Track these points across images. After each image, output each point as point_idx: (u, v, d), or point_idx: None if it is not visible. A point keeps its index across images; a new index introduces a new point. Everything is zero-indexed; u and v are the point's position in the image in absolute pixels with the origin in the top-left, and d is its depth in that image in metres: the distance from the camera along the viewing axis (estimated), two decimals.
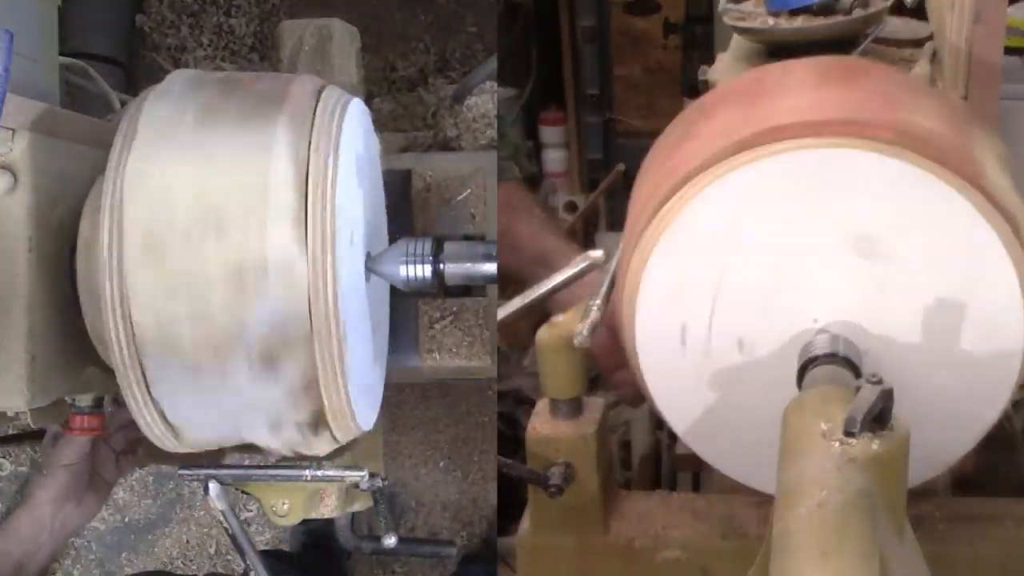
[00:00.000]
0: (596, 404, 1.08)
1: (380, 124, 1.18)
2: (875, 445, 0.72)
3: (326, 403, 0.98)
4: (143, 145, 0.95)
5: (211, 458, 1.15)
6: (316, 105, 1.00)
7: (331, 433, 1.01)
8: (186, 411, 0.98)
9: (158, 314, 0.93)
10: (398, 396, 2.14)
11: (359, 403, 1.03)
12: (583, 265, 1.05)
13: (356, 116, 1.06)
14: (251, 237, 0.91)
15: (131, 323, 0.93)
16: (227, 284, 0.92)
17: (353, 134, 1.04)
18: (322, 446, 1.03)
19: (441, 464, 2.19)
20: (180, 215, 0.92)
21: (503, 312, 1.04)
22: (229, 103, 0.97)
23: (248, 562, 1.19)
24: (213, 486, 1.15)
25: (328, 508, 1.32)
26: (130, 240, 0.92)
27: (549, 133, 2.57)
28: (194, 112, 0.97)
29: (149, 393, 0.96)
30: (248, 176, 0.92)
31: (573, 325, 1.02)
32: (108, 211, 0.94)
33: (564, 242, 1.31)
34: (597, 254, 1.05)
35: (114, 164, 0.95)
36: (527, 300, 1.05)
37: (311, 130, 0.97)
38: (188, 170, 0.93)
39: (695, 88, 1.27)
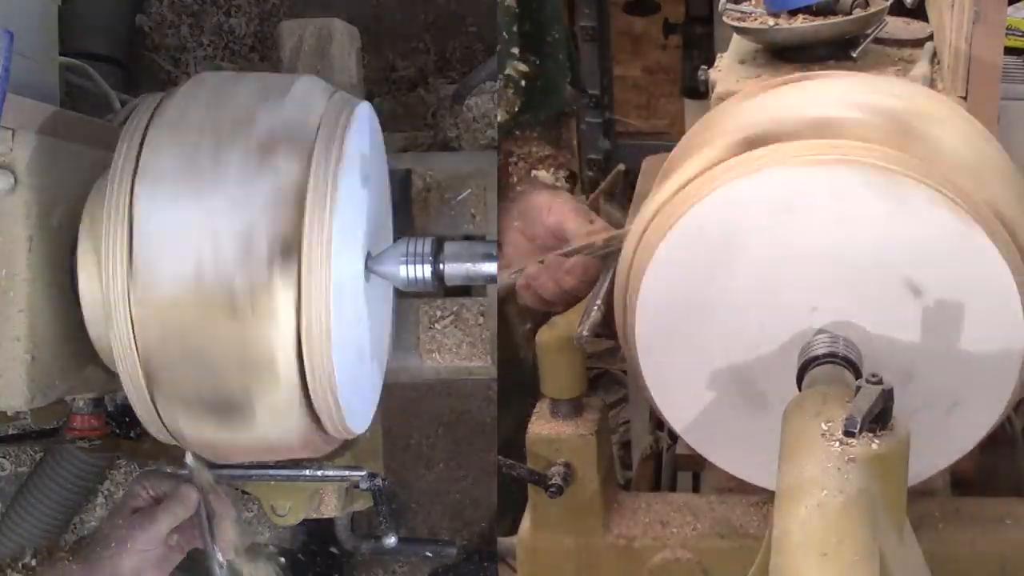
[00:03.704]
0: (596, 404, 1.08)
1: (380, 124, 1.19)
2: (875, 445, 0.72)
3: (306, 224, 0.94)
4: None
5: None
6: (324, 109, 1.01)
7: (298, 273, 0.95)
8: (159, 218, 0.94)
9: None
10: (398, 396, 2.14)
11: (352, 398, 1.03)
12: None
13: (364, 119, 1.06)
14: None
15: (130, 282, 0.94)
16: (253, 93, 1.00)
17: (360, 135, 1.04)
18: (284, 304, 0.94)
19: (441, 464, 2.19)
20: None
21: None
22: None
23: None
24: (189, 456, 1.13)
25: (328, 508, 1.32)
26: None
27: None
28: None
29: (138, 347, 0.96)
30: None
31: (573, 326, 1.02)
32: (112, 210, 0.94)
33: (580, 217, 1.26)
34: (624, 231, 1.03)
35: (119, 167, 0.96)
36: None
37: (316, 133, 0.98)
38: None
39: (695, 88, 1.27)
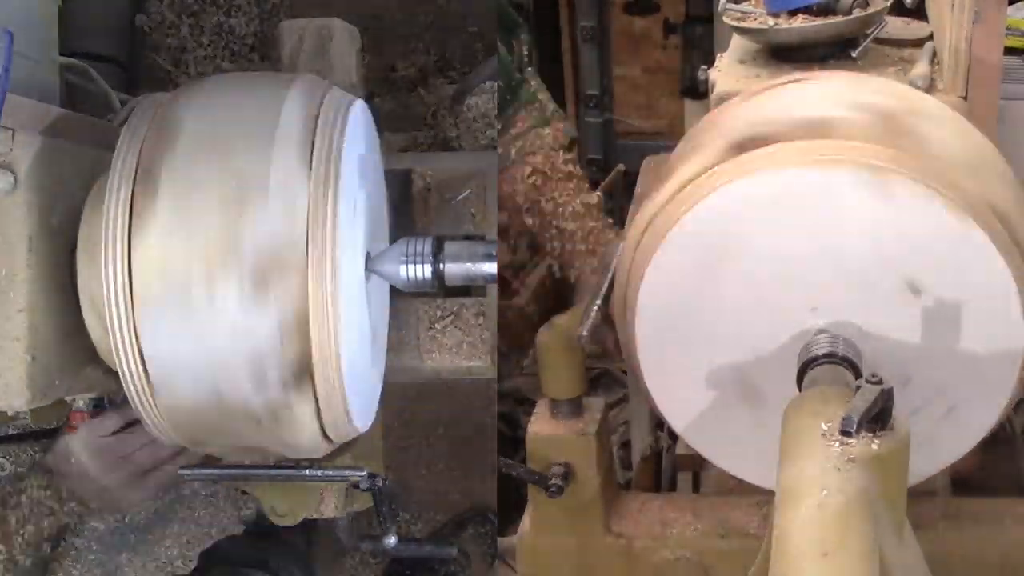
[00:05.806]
0: (596, 404, 1.08)
1: (380, 124, 1.18)
2: (875, 445, 0.72)
3: (314, 344, 0.94)
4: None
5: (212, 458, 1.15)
6: (319, 110, 1.00)
7: (314, 390, 0.96)
8: (168, 352, 0.95)
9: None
10: (398, 396, 2.13)
11: (354, 399, 1.02)
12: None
13: (358, 118, 1.06)
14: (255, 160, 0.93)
15: (130, 284, 0.93)
16: (226, 206, 0.92)
17: (356, 136, 1.04)
18: (304, 412, 0.98)
19: (441, 464, 2.19)
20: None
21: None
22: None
23: None
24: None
25: (328, 508, 1.32)
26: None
27: None
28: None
29: (139, 349, 0.95)
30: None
31: (573, 326, 1.03)
32: (114, 208, 0.94)
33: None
34: None
35: (118, 168, 0.96)
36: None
37: (313, 135, 0.97)
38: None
39: (695, 88, 1.27)
